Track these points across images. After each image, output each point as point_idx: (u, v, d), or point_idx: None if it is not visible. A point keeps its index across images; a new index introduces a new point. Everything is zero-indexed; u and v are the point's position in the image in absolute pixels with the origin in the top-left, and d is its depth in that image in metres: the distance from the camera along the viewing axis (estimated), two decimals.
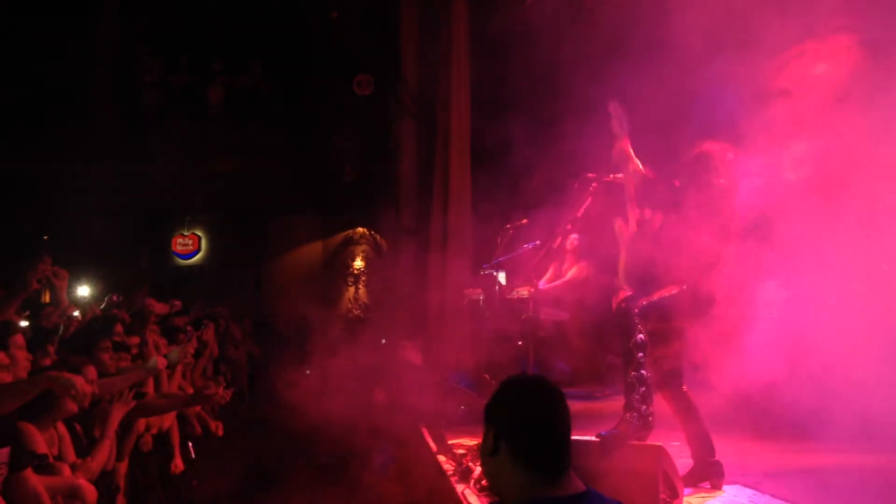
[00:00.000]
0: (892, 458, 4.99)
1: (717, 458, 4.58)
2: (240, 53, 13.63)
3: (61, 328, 5.37)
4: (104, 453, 3.95)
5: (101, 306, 7.12)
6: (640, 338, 4.49)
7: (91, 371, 3.86)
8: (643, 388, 4.47)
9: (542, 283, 8.18)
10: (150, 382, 5.27)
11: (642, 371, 4.47)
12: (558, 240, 6.49)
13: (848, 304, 5.41)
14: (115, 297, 7.21)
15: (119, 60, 13.38)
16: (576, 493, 1.93)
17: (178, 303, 8.46)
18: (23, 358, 4.08)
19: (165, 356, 5.04)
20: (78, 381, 3.34)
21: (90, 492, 3.66)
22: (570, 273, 8.47)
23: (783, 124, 5.08)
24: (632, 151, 4.75)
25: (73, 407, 3.70)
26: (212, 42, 13.52)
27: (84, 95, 13.02)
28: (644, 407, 4.45)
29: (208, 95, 13.67)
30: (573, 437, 2.00)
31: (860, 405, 4.98)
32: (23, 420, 3.49)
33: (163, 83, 13.64)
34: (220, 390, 4.88)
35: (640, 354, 4.48)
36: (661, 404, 4.66)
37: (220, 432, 6.90)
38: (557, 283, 8.46)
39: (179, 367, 5.91)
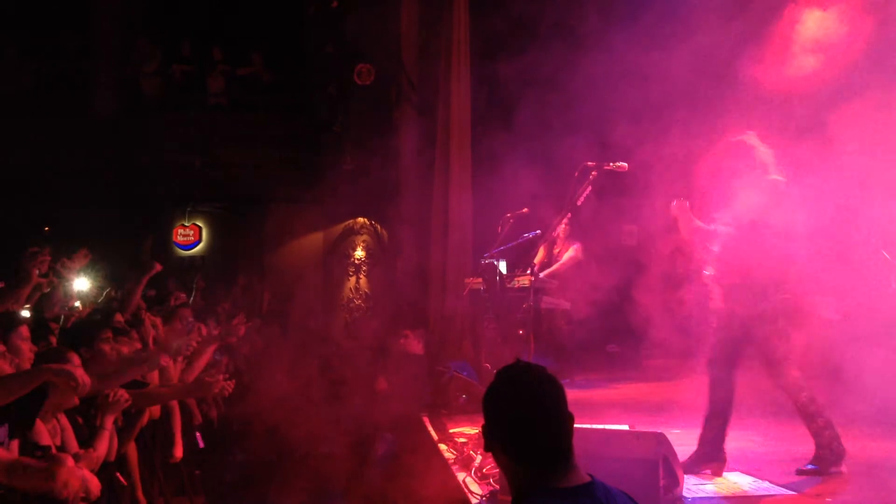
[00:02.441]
0: (894, 445, 5.01)
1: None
2: (240, 43, 13.57)
3: (62, 319, 5.38)
4: (105, 443, 3.97)
5: (100, 299, 7.14)
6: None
7: (74, 358, 3.87)
8: (821, 420, 4.41)
9: (537, 265, 8.15)
10: (155, 372, 5.29)
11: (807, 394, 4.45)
12: (558, 228, 6.48)
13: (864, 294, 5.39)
14: (112, 292, 7.23)
15: (119, 50, 13.34)
16: (579, 483, 1.90)
17: (181, 295, 8.49)
18: (27, 349, 4.08)
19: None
20: (77, 371, 3.35)
21: (94, 483, 3.67)
22: (566, 255, 8.48)
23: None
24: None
25: (74, 399, 3.71)
26: (212, 31, 13.47)
27: (84, 85, 12.99)
28: (830, 437, 4.40)
29: (209, 85, 13.61)
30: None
31: (862, 395, 4.99)
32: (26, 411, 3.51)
33: (163, 73, 13.59)
34: (222, 379, 4.90)
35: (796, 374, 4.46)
36: (670, 392, 4.64)
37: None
38: (555, 267, 8.46)
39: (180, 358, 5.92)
